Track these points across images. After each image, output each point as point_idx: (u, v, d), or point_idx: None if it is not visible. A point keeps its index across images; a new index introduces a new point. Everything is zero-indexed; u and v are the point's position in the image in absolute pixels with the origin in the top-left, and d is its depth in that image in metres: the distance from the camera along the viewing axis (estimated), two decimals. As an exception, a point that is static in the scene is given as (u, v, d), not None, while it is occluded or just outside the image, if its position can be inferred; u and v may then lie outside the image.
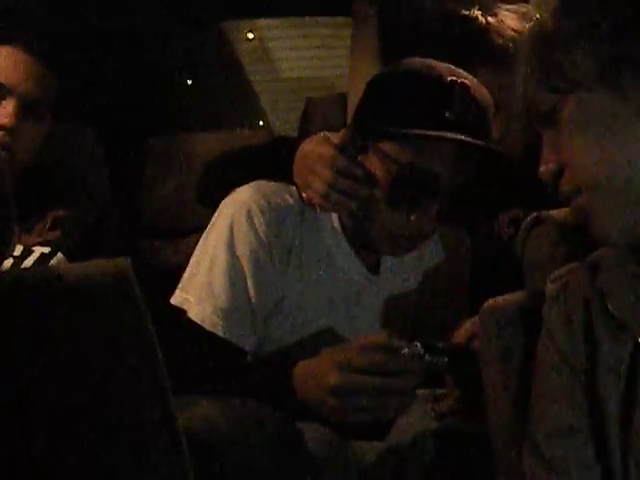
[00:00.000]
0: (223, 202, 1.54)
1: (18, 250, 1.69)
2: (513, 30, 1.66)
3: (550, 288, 1.15)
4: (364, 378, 1.27)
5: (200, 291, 1.47)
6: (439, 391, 1.50)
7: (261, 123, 6.26)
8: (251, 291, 1.47)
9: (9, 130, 1.67)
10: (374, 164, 1.49)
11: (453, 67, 1.48)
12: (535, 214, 1.30)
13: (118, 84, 2.70)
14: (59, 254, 1.72)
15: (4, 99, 1.68)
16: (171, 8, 2.41)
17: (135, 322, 1.01)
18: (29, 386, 0.98)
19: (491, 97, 1.64)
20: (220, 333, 1.46)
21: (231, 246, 1.48)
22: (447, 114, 1.43)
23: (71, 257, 1.72)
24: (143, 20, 2.48)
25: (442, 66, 1.48)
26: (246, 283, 1.47)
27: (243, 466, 1.20)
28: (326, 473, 1.32)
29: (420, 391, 1.46)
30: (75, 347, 0.99)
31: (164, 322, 1.39)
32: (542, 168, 1.07)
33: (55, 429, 0.98)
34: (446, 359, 1.30)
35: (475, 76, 1.63)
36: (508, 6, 1.72)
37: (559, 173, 1.05)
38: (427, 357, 1.29)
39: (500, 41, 1.65)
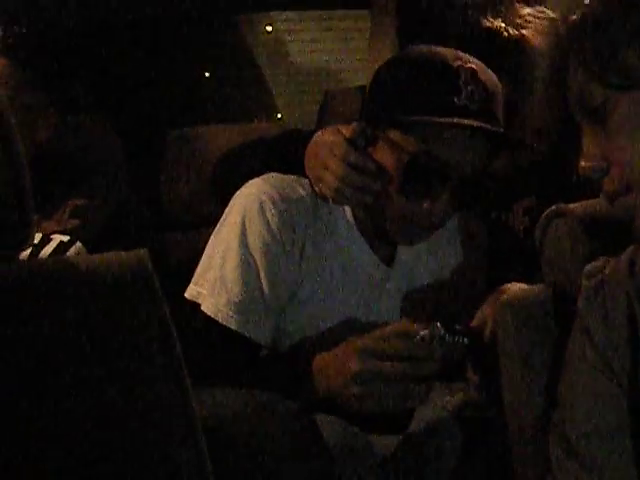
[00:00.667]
0: (235, 195, 1.54)
1: (37, 238, 1.70)
2: (534, 46, 1.62)
3: (586, 284, 1.12)
4: (386, 364, 1.28)
5: (213, 285, 1.48)
6: (456, 385, 1.49)
7: (279, 116, 6.26)
8: (264, 284, 1.47)
9: None
10: (385, 154, 1.49)
11: (459, 52, 1.47)
12: (554, 207, 1.28)
13: (137, 76, 2.70)
14: (78, 243, 1.73)
15: None
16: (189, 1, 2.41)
17: (154, 314, 1.01)
18: (45, 374, 0.98)
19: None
20: (234, 326, 1.46)
21: (244, 239, 1.48)
22: (455, 100, 1.42)
23: (90, 246, 1.73)
24: (162, 12, 2.48)
25: (448, 51, 1.47)
26: (259, 276, 1.47)
27: (260, 456, 1.20)
28: (342, 463, 1.32)
29: (437, 384, 1.46)
30: (93, 338, 0.99)
31: (181, 315, 1.41)
32: (583, 163, 1.05)
33: (70, 416, 0.98)
34: (467, 340, 1.30)
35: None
36: (529, 10, 1.69)
37: (604, 170, 1.04)
38: (448, 338, 1.29)
39: (522, 56, 1.62)
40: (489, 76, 1.47)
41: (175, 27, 2.88)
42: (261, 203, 1.49)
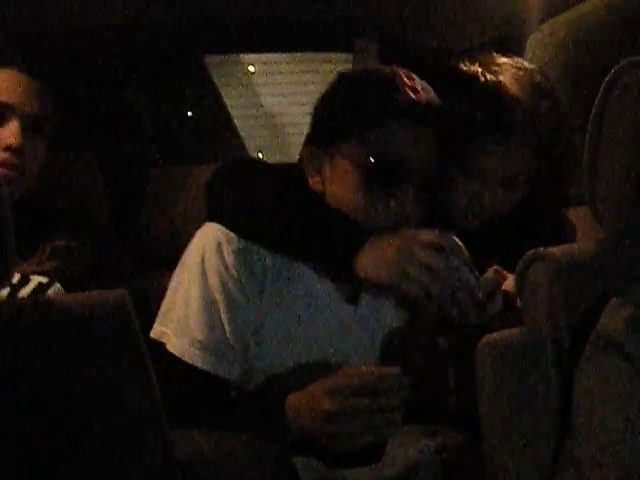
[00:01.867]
0: (195, 235, 1.55)
1: (15, 278, 1.68)
2: (518, 99, 1.64)
3: (621, 313, 1.13)
4: (355, 400, 1.30)
5: (177, 325, 1.49)
6: (435, 427, 1.49)
7: (260, 156, 6.28)
8: (226, 322, 1.48)
9: (16, 150, 1.69)
10: (342, 169, 1.50)
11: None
12: (533, 251, 1.29)
13: (119, 114, 2.71)
14: (57, 284, 1.72)
15: (8, 119, 1.70)
16: (174, 40, 2.42)
17: (133, 354, 1.01)
18: (27, 415, 0.98)
19: (507, 172, 1.66)
20: (199, 364, 1.46)
21: (203, 279, 1.49)
22: (398, 99, 1.46)
23: (68, 288, 1.72)
24: (149, 52, 2.50)
25: (379, 66, 1.53)
26: (220, 315, 1.48)
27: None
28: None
29: (416, 426, 1.45)
30: (72, 378, 0.99)
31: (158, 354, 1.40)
32: None
33: (50, 459, 0.97)
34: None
35: (483, 147, 1.64)
36: (506, 59, 1.71)
37: None
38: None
39: (506, 109, 1.63)
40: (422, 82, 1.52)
41: (159, 66, 2.90)
42: (218, 243, 1.50)
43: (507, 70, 1.67)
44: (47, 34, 2.10)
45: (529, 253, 1.30)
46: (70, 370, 0.99)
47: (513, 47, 1.97)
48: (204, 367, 1.46)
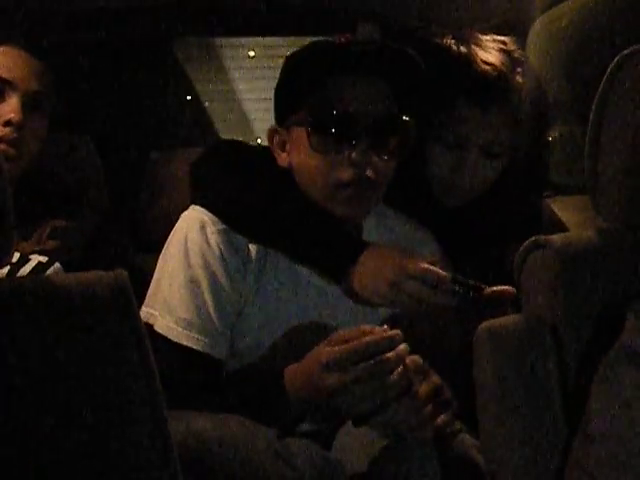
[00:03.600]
0: (180, 218, 1.57)
1: (15, 257, 1.68)
2: (490, 64, 1.66)
3: None
4: (355, 370, 1.29)
5: (163, 305, 1.50)
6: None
7: (259, 141, 6.27)
8: (210, 301, 1.49)
9: (16, 125, 1.69)
10: (302, 138, 1.52)
11: None
12: (533, 238, 1.29)
13: (119, 97, 2.70)
14: (56, 264, 1.72)
15: (8, 95, 1.71)
16: (172, 22, 2.41)
17: (131, 333, 1.01)
18: (24, 393, 0.98)
19: (485, 140, 1.68)
20: (185, 342, 1.47)
21: (187, 259, 1.50)
22: (331, 56, 1.47)
23: (68, 268, 1.72)
24: (147, 33, 2.49)
25: None
26: (204, 293, 1.49)
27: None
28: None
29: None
30: (70, 357, 0.99)
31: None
32: None
33: (44, 437, 0.97)
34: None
35: (459, 115, 1.68)
36: (485, 36, 1.73)
37: None
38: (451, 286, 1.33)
39: (478, 75, 1.65)
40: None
41: (158, 49, 2.89)
42: (202, 223, 1.52)
43: (479, 40, 1.71)
44: (48, 13, 2.09)
45: (529, 241, 1.29)
46: (67, 349, 0.99)
47: (516, 35, 1.97)
48: (189, 345, 1.47)
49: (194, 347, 1.47)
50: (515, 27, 2.03)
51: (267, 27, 2.53)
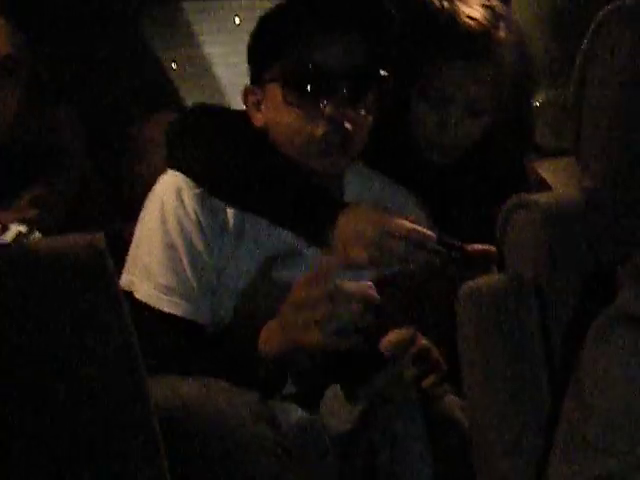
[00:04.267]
0: (156, 183, 1.56)
1: (-5, 227, 1.67)
2: (474, 19, 1.64)
3: None
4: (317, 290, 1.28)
5: (142, 272, 1.49)
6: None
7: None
8: (187, 266, 1.48)
9: None
10: (276, 94, 1.51)
11: None
12: (516, 197, 1.28)
13: (103, 64, 2.68)
14: (36, 233, 1.71)
15: None
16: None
17: (108, 297, 1.00)
18: (3, 360, 0.97)
19: (469, 95, 1.67)
20: (166, 309, 1.46)
21: (163, 225, 1.49)
22: (304, 11, 1.46)
23: (48, 236, 1.71)
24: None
25: None
26: (182, 258, 1.48)
27: (216, 446, 1.21)
28: (299, 451, 1.31)
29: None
30: (46, 322, 0.98)
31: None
32: None
33: (23, 406, 0.97)
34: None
35: (442, 71, 1.66)
36: None
37: None
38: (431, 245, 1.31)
39: (462, 29, 1.64)
40: None
41: (136, 13, 2.86)
42: (178, 188, 1.51)
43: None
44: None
45: (512, 199, 1.28)
46: (44, 313, 0.99)
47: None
48: (170, 311, 1.46)
49: (175, 313, 1.46)
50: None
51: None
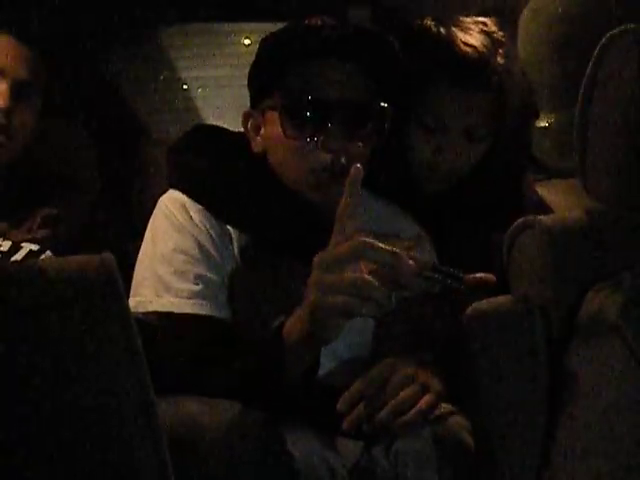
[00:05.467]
0: (159, 201, 1.55)
1: (6, 246, 1.69)
2: (471, 46, 1.64)
3: (617, 297, 1.14)
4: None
5: (156, 287, 1.46)
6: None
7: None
8: (203, 268, 1.47)
9: (4, 111, 1.71)
10: (274, 121, 1.49)
11: None
12: (523, 219, 1.29)
13: (112, 84, 2.70)
14: (47, 252, 1.72)
15: None
16: (162, 8, 2.41)
17: (117, 316, 1.01)
18: (11, 378, 0.98)
19: (466, 122, 1.67)
20: (189, 310, 1.43)
21: (174, 233, 1.49)
22: (304, 40, 1.46)
23: (59, 256, 1.72)
24: (136, 19, 2.48)
25: None
26: (194, 264, 1.47)
27: (225, 470, 1.20)
28: (305, 474, 1.30)
29: None
30: (58, 340, 0.99)
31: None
32: None
33: (34, 424, 0.98)
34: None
35: (439, 98, 1.66)
36: (466, 18, 1.72)
37: None
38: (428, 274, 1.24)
39: (459, 56, 1.63)
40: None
41: (149, 35, 2.88)
42: (183, 203, 1.51)
43: (460, 22, 1.69)
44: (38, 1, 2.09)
45: (519, 221, 1.29)
46: (53, 332, 0.99)
47: (506, 20, 1.97)
48: (195, 311, 1.43)
49: (201, 313, 1.44)
50: (505, 12, 2.03)
51: (263, 11, 2.52)
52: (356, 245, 1.17)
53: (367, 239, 1.18)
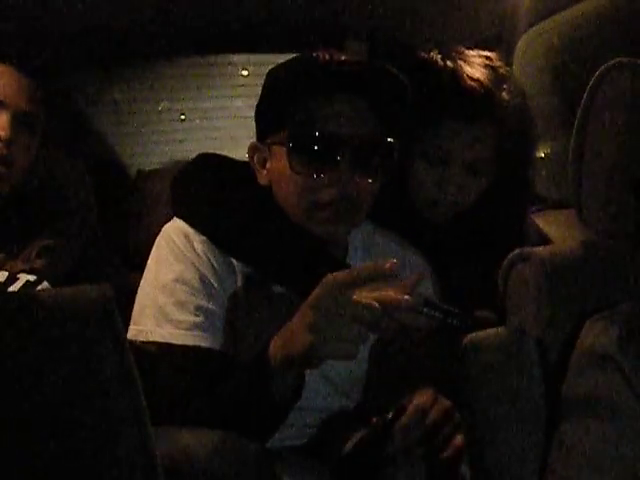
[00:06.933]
0: (162, 231, 1.55)
1: (3, 276, 1.69)
2: (476, 80, 1.66)
3: (614, 329, 1.13)
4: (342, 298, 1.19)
5: (156, 316, 1.46)
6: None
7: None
8: (204, 300, 1.46)
9: (6, 142, 1.72)
10: (282, 156, 1.49)
11: None
12: (518, 251, 1.29)
13: (107, 116, 2.72)
14: (44, 282, 1.72)
15: None
16: (160, 41, 2.42)
17: (114, 348, 1.01)
18: (8, 408, 0.98)
19: (470, 156, 1.68)
20: (190, 342, 1.43)
21: (175, 263, 1.48)
22: (312, 75, 1.45)
23: (56, 286, 1.72)
24: (135, 52, 2.50)
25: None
26: (195, 295, 1.46)
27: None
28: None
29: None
30: (53, 371, 0.99)
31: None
32: None
33: (25, 452, 0.97)
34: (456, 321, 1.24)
35: (443, 131, 1.67)
36: (471, 52, 1.73)
37: None
38: (425, 310, 1.24)
39: (464, 90, 1.65)
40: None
41: (146, 68, 2.90)
42: (186, 233, 1.51)
43: (465, 56, 1.71)
44: (41, 33, 2.10)
45: (514, 253, 1.30)
46: (51, 363, 0.99)
47: (503, 50, 1.98)
48: (199, 344, 1.42)
49: (201, 345, 1.43)
50: (502, 42, 2.04)
51: (260, 43, 2.54)
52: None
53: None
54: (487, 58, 1.71)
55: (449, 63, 1.69)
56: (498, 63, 1.71)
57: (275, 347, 1.29)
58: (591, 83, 1.26)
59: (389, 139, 1.51)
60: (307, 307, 1.23)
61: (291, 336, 1.25)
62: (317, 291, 1.22)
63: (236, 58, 3.59)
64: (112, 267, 1.93)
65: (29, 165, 1.80)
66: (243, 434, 1.27)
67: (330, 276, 1.21)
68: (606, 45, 1.94)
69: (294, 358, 1.24)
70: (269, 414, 1.32)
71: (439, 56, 1.71)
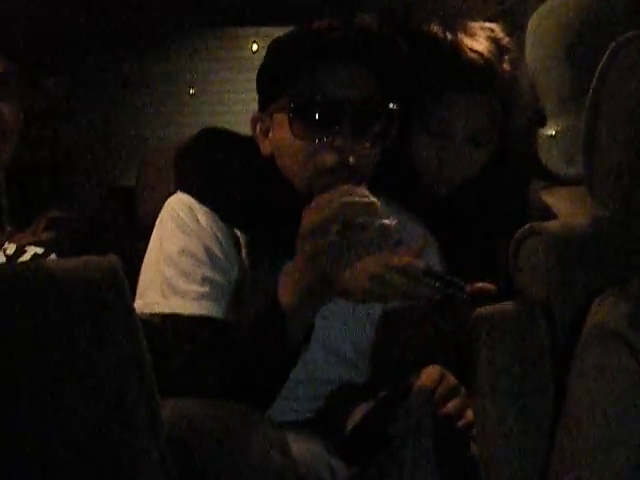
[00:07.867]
0: (166, 204, 1.55)
1: (11, 249, 1.69)
2: (477, 52, 1.65)
3: (624, 305, 1.13)
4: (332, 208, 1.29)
5: (162, 290, 1.46)
6: None
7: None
8: (210, 270, 1.47)
9: None
10: (284, 123, 1.49)
11: None
12: (529, 225, 1.29)
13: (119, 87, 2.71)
14: (52, 255, 1.72)
15: None
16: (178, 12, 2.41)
17: (123, 317, 1.01)
18: (17, 376, 0.98)
19: (470, 127, 1.68)
20: (197, 312, 1.43)
21: (180, 235, 1.49)
22: (310, 41, 1.47)
23: (64, 258, 1.72)
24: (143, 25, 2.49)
25: None
26: (200, 265, 1.47)
27: (226, 470, 1.20)
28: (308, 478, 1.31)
29: None
30: (61, 341, 1.00)
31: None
32: None
33: (39, 423, 0.98)
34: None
35: (444, 103, 1.67)
36: (473, 23, 1.73)
37: None
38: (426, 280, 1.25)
39: (465, 62, 1.65)
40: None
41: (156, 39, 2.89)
42: (190, 206, 1.51)
43: (467, 27, 1.71)
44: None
45: (525, 227, 1.29)
46: (59, 332, 1.00)
47: (514, 25, 1.97)
48: (203, 313, 1.43)
49: (208, 314, 1.43)
50: (513, 17, 2.03)
51: (270, 16, 2.53)
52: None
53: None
54: (489, 30, 1.71)
55: (449, 35, 1.69)
56: (501, 35, 1.71)
57: (282, 293, 1.34)
58: (604, 57, 1.25)
59: (390, 105, 1.52)
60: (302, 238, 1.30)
61: (292, 280, 1.32)
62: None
63: (245, 31, 3.58)
64: (119, 238, 1.93)
65: (15, 127, 1.76)
66: (251, 392, 1.30)
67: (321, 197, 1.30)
68: (621, 20, 1.92)
69: (301, 298, 1.32)
70: (281, 358, 1.34)
71: (440, 28, 1.71)
